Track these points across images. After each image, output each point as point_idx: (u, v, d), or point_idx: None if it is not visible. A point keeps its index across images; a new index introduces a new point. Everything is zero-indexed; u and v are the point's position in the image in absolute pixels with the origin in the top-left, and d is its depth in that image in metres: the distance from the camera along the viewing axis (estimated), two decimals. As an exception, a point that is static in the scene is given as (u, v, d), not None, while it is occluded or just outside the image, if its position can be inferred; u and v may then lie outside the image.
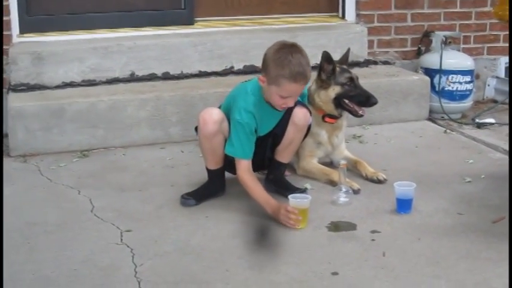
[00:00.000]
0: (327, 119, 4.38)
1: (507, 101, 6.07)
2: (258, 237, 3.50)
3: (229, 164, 3.96)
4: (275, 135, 3.99)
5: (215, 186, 4.07)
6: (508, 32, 6.35)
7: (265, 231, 3.55)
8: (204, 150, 3.98)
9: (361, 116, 4.39)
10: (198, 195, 4.02)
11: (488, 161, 4.77)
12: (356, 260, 3.30)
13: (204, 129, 3.85)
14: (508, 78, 6.37)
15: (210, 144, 3.89)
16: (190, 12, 6.05)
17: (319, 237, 3.57)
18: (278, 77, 3.67)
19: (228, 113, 3.90)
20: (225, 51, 5.77)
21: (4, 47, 5.33)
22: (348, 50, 4.50)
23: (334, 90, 4.30)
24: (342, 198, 3.96)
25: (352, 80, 4.34)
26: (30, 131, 4.93)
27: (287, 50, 3.71)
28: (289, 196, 3.78)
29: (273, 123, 3.96)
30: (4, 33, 5.38)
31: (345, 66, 4.40)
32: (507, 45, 6.48)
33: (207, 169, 4.06)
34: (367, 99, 4.32)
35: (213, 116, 3.84)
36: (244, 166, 3.85)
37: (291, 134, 4.02)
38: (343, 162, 4.09)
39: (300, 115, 4.01)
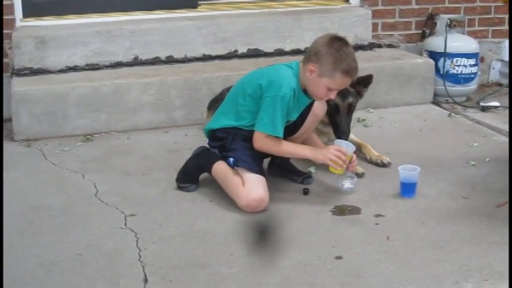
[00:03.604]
0: None
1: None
2: (258, 236, 3.47)
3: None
4: (295, 125, 3.96)
5: (202, 159, 4.01)
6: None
7: (264, 230, 3.53)
8: (230, 186, 3.84)
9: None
10: (192, 178, 4.01)
11: (493, 144, 4.76)
12: (360, 243, 3.31)
13: (257, 208, 3.70)
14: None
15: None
16: (194, -5, 6.05)
17: (323, 221, 3.58)
18: (335, 70, 3.63)
19: (241, 96, 3.83)
20: (229, 34, 5.75)
21: (7, 31, 5.34)
22: (371, 76, 4.37)
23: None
24: (347, 185, 3.94)
25: (337, 108, 4.28)
26: (34, 115, 4.93)
27: (341, 43, 3.69)
28: (336, 141, 3.89)
29: (300, 112, 3.90)
30: (7, 17, 5.39)
31: (352, 89, 4.26)
32: (512, 28, 6.47)
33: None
34: (336, 132, 4.31)
35: (265, 201, 3.70)
36: (265, 139, 3.75)
37: (309, 123, 4.01)
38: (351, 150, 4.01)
39: (321, 106, 4.02)
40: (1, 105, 4.84)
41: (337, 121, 4.30)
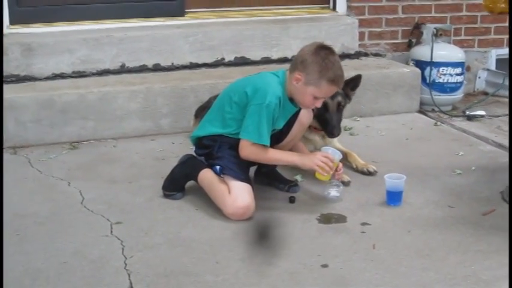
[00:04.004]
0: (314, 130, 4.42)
1: (497, 93, 6.10)
2: (258, 237, 3.47)
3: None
4: (281, 133, 3.96)
5: (188, 167, 4.01)
6: (499, 24, 6.39)
7: (265, 230, 3.53)
8: (216, 194, 3.83)
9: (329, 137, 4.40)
10: (178, 186, 4.01)
11: (479, 153, 4.78)
12: (346, 252, 3.31)
13: (243, 216, 3.69)
14: (499, 71, 6.39)
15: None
16: (181, 4, 6.05)
17: (309, 229, 3.58)
18: (321, 78, 3.63)
19: (228, 104, 3.83)
20: (216, 42, 5.76)
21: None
22: (360, 76, 4.43)
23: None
24: (333, 193, 3.94)
25: (327, 106, 4.28)
26: (20, 122, 4.91)
27: (327, 52, 3.68)
28: (323, 148, 3.89)
29: (286, 120, 3.90)
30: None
31: (340, 90, 4.20)
32: (498, 37, 6.50)
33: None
34: (327, 128, 4.33)
35: (251, 209, 3.70)
36: (251, 147, 3.74)
37: (295, 131, 4.02)
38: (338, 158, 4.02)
39: (307, 115, 4.05)
40: (1, 110, 4.81)
41: (327, 118, 4.29)
